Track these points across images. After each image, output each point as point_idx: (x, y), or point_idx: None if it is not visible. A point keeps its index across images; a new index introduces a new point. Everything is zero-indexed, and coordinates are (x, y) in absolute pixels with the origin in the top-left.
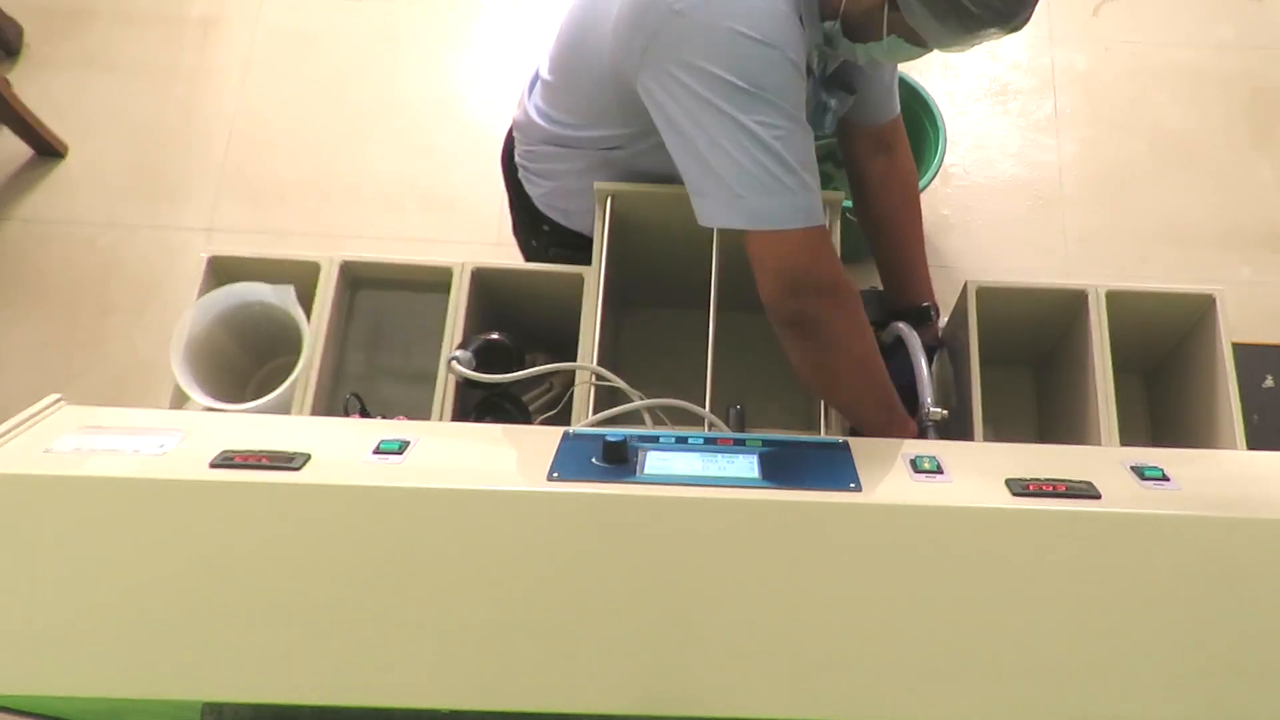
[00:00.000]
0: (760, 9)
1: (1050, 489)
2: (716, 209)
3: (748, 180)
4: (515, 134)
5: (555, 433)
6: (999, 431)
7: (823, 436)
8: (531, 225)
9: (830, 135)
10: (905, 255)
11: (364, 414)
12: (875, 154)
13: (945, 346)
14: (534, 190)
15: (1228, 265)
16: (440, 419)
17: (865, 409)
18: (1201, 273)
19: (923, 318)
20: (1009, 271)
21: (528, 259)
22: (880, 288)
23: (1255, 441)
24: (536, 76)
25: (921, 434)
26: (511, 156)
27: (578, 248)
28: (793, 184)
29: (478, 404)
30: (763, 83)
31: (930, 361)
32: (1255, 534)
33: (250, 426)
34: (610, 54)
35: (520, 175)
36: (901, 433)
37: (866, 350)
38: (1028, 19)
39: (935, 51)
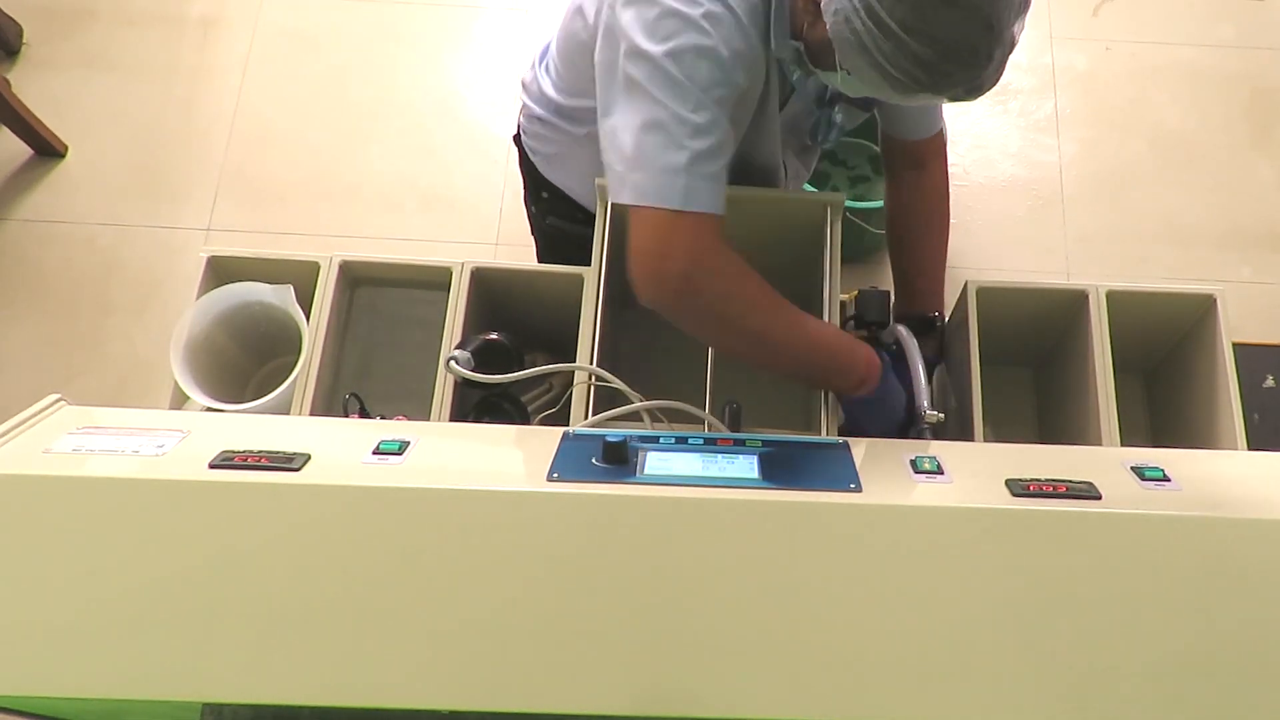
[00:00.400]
0: (713, 7)
1: (1050, 489)
2: (613, 183)
3: (636, 154)
4: (522, 96)
5: (555, 433)
6: (999, 431)
7: (823, 437)
8: (534, 190)
9: (830, 144)
10: (917, 265)
11: (363, 414)
12: (907, 166)
13: (945, 361)
14: (533, 156)
15: (1228, 265)
16: (439, 419)
17: (791, 369)
18: (1201, 273)
19: (925, 328)
20: (1009, 271)
21: (531, 228)
22: (880, 287)
23: (1255, 441)
24: (548, 46)
25: (918, 436)
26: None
27: (574, 220)
28: (676, 165)
29: (476, 404)
30: (688, 71)
31: (931, 371)
32: (1255, 534)
33: (250, 427)
34: (589, 29)
35: (524, 138)
36: (852, 366)
37: (759, 320)
38: (971, 90)
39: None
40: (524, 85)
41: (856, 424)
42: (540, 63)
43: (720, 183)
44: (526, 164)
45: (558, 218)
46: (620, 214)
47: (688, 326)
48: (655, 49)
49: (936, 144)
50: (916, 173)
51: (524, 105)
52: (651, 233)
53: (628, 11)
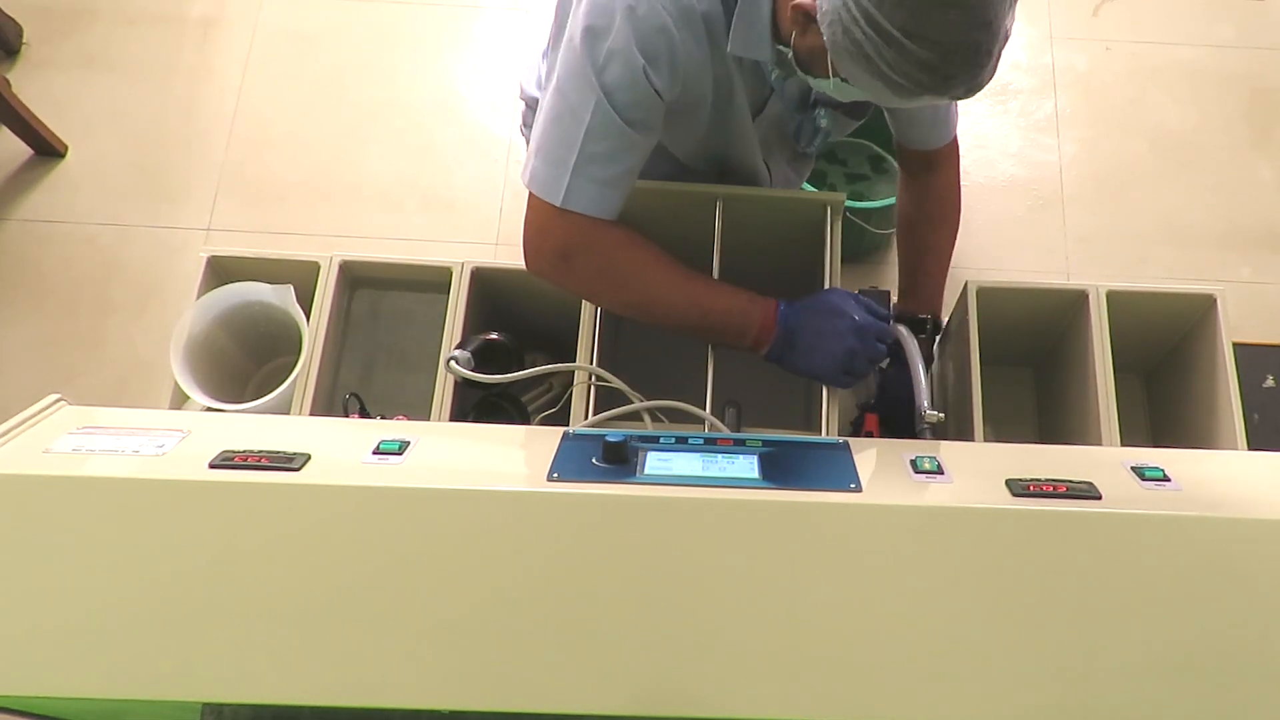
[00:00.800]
0: (652, 19)
1: (1050, 489)
2: (524, 162)
3: (540, 144)
4: (522, 90)
5: (555, 433)
6: (999, 431)
7: (823, 437)
8: None
9: (815, 150)
10: (918, 266)
11: (363, 414)
12: (918, 171)
13: (935, 361)
14: None
15: (1228, 265)
16: (439, 419)
17: (684, 326)
18: (1201, 273)
19: (917, 329)
20: (1009, 271)
21: None
22: (880, 286)
23: (1255, 441)
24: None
25: (918, 436)
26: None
27: None
28: (567, 162)
29: (476, 404)
30: (598, 73)
31: (928, 369)
32: (1255, 534)
33: (250, 427)
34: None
35: (523, 129)
36: (744, 328)
37: (641, 292)
38: (970, 89)
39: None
40: (522, 88)
41: (792, 371)
42: (543, 58)
43: (612, 187)
44: None
45: None
46: (625, 215)
47: (573, 293)
48: (579, 43)
49: (948, 149)
50: (927, 176)
51: (522, 93)
52: (533, 217)
53: (588, 5)
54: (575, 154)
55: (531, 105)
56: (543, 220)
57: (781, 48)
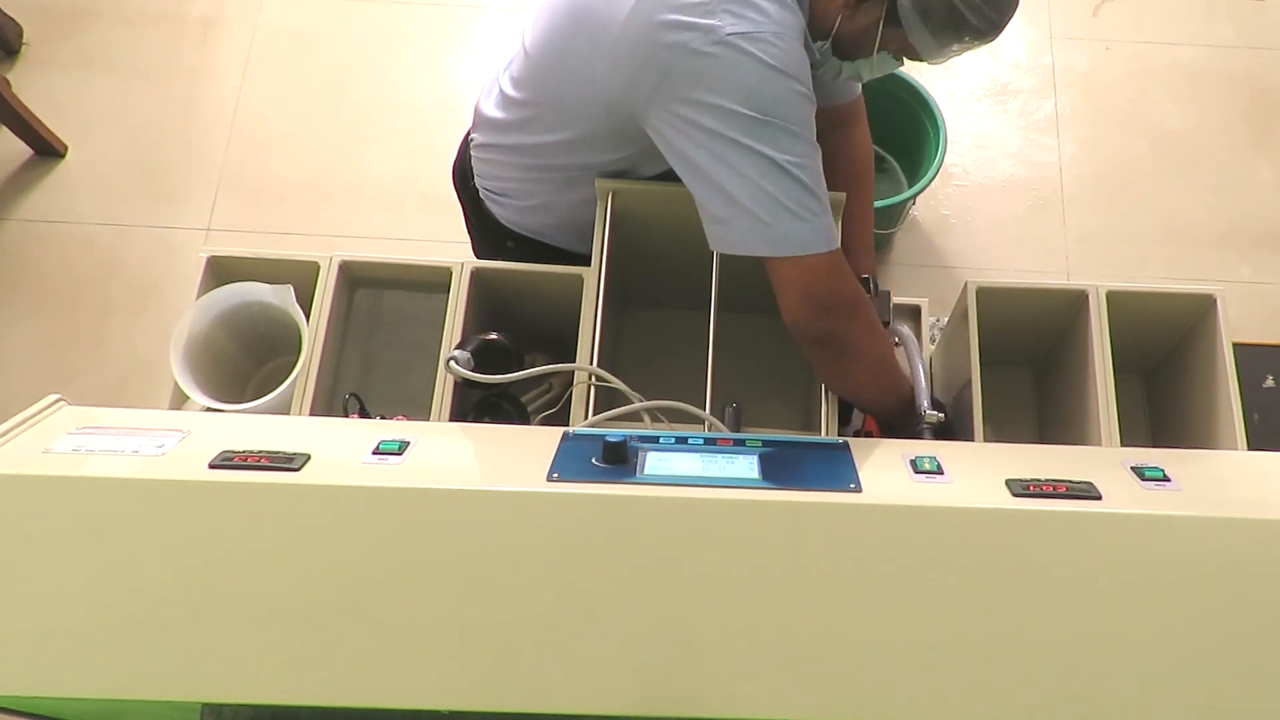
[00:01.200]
0: (774, 43)
1: (1050, 489)
2: (739, 236)
3: (773, 208)
4: (474, 152)
5: (555, 433)
6: (999, 431)
7: (823, 437)
8: (496, 244)
9: None
10: (848, 228)
11: (363, 414)
12: (832, 128)
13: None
14: (502, 212)
15: (1228, 265)
16: (439, 419)
17: (885, 405)
18: (1201, 273)
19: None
20: (1009, 271)
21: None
22: (881, 286)
23: (1255, 441)
24: (497, 89)
25: (918, 436)
26: (467, 176)
27: (546, 260)
28: (816, 209)
29: (476, 404)
30: (777, 112)
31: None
32: (1255, 534)
33: (250, 427)
34: (605, 86)
35: (482, 196)
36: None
37: (884, 352)
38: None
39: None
40: (480, 145)
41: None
42: (490, 106)
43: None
44: (487, 222)
45: (529, 260)
46: (626, 215)
47: (845, 356)
48: (746, 103)
49: (856, 106)
50: (841, 134)
51: (482, 161)
52: (817, 272)
53: (700, 78)
54: (815, 198)
55: (533, 159)
56: (835, 270)
57: (820, 43)
